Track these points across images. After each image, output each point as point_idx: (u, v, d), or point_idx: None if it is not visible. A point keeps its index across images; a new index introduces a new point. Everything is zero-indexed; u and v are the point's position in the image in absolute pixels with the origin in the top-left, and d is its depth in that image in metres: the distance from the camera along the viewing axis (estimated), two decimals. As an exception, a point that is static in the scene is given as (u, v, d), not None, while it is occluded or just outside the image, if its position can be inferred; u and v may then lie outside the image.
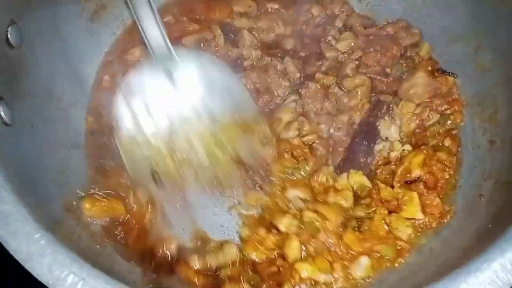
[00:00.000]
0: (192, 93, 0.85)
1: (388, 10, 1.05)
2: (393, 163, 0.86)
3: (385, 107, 0.90)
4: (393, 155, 0.87)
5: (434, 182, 0.83)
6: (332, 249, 0.78)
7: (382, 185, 0.82)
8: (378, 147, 0.88)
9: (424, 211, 0.81)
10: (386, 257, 0.79)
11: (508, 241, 0.56)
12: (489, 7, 0.87)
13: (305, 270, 0.76)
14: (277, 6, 1.02)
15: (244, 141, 0.85)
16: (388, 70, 0.95)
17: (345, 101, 0.92)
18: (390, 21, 1.03)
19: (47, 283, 0.51)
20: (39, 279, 0.51)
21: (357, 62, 0.95)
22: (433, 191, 0.82)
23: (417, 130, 0.90)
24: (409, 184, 0.84)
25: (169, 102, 0.84)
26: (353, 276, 0.77)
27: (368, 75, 0.94)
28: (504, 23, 0.85)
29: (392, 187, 0.83)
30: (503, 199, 0.74)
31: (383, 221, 0.80)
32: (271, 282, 0.76)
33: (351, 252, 0.79)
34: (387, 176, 0.86)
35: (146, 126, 0.83)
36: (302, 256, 0.78)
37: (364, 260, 0.78)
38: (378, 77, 0.95)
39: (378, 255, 0.79)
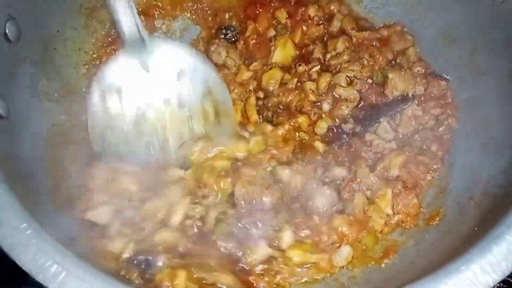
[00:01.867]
0: (165, 81, 0.86)
1: (385, 13, 1.06)
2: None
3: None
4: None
5: (413, 183, 0.84)
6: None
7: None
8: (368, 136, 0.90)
9: (397, 210, 0.83)
10: (366, 247, 0.81)
11: (489, 243, 0.56)
12: (485, 11, 0.87)
13: (296, 255, 0.78)
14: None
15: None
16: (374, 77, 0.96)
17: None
18: (386, 23, 1.04)
19: (31, 272, 0.52)
20: (23, 267, 0.52)
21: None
22: (411, 191, 0.83)
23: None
24: (388, 180, 0.84)
25: (142, 89, 0.86)
26: (334, 264, 0.79)
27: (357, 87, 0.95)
28: (499, 27, 0.85)
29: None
30: (492, 203, 0.74)
31: (362, 206, 0.82)
32: None
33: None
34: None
35: (115, 110, 0.86)
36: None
37: (346, 249, 0.79)
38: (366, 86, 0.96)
39: (362, 246, 0.81)
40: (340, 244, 0.80)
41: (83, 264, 0.54)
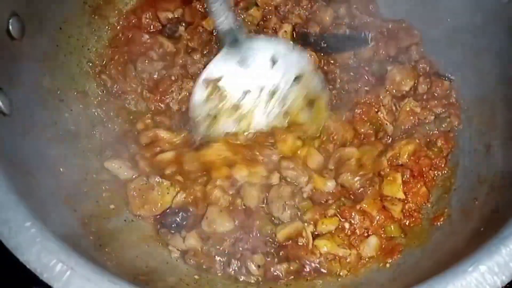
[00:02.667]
0: (260, 71, 0.93)
1: (390, 10, 1.05)
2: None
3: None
4: None
5: (419, 172, 0.86)
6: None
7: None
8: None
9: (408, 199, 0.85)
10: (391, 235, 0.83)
11: (496, 244, 0.55)
12: (491, 11, 0.87)
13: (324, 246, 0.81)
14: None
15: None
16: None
17: None
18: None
19: (35, 271, 0.51)
20: (28, 266, 0.52)
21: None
22: (419, 180, 0.85)
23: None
24: (396, 166, 0.86)
25: (240, 80, 0.93)
26: (362, 255, 0.82)
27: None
28: (505, 27, 0.84)
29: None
30: (497, 203, 0.73)
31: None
32: None
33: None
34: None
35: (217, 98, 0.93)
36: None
37: (373, 239, 0.82)
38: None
39: (384, 235, 0.83)
40: (368, 234, 0.83)
41: (88, 263, 0.54)
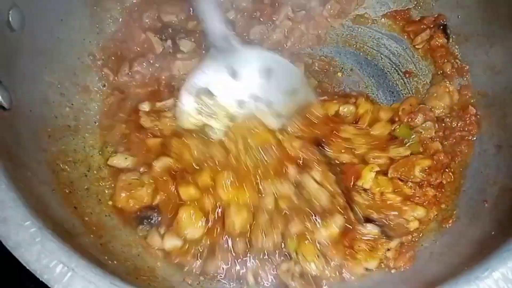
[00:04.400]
0: (254, 88, 0.88)
1: (399, 4, 1.03)
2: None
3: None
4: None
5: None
6: None
7: None
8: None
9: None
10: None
11: (510, 250, 0.54)
12: (503, 8, 0.85)
13: None
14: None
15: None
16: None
17: None
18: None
19: (35, 272, 0.50)
20: (28, 267, 0.50)
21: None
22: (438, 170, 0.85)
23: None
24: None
25: (232, 90, 0.88)
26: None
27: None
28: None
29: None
30: (508, 206, 0.72)
31: None
32: None
33: None
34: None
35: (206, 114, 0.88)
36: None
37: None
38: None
39: None
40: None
41: (90, 264, 0.52)
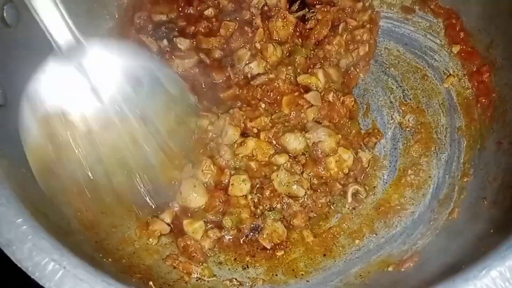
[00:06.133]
0: (113, 88, 0.71)
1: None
2: None
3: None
4: None
5: None
6: None
7: None
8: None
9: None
10: None
11: (509, 248, 0.53)
12: (504, 3, 0.84)
13: None
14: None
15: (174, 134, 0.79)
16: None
17: None
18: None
19: (27, 269, 0.49)
20: (19, 265, 0.50)
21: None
22: None
23: None
24: None
25: (86, 100, 0.71)
26: None
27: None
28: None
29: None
30: (507, 204, 0.71)
31: None
32: None
33: None
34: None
35: (62, 136, 0.70)
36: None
37: None
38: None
39: None
40: None
41: (82, 262, 0.52)
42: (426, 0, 1.00)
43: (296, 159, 0.85)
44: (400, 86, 0.97)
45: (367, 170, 0.89)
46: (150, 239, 0.81)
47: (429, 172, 0.89)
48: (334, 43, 0.94)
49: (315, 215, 0.84)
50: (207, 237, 0.81)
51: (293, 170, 0.83)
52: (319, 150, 0.84)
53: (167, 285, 0.74)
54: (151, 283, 0.70)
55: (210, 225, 0.82)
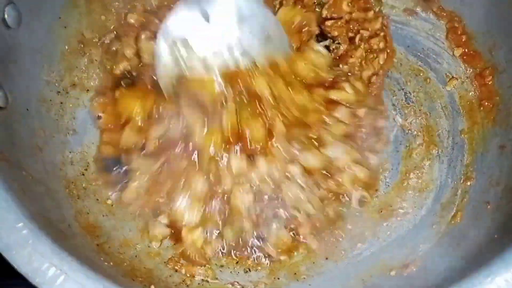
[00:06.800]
0: (227, 30, 0.83)
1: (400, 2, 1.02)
2: None
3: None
4: None
5: None
6: None
7: None
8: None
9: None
10: None
11: (514, 254, 0.52)
12: (508, 6, 0.83)
13: None
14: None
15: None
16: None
17: None
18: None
19: (26, 275, 0.49)
20: (19, 270, 0.49)
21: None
22: None
23: None
24: None
25: (206, 40, 0.83)
26: None
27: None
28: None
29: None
30: (511, 208, 0.70)
31: None
32: None
33: None
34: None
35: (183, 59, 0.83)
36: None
37: None
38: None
39: None
40: None
41: (83, 267, 0.51)
42: (428, 3, 0.99)
43: (310, 175, 0.82)
44: (402, 89, 0.97)
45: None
46: (153, 242, 0.80)
47: (431, 175, 0.89)
48: (357, 55, 0.93)
49: (321, 225, 0.83)
50: (209, 245, 0.80)
51: (306, 186, 0.81)
52: (334, 166, 0.83)
53: (169, 289, 0.73)
54: (152, 287, 0.69)
55: (209, 233, 0.80)
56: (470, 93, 0.92)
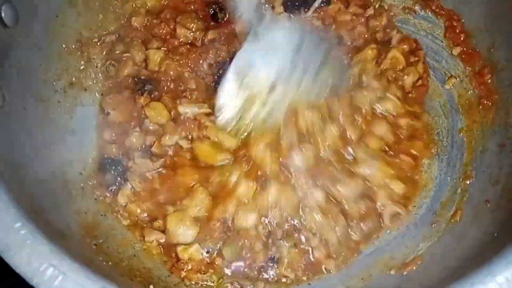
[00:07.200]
0: (288, 54, 0.88)
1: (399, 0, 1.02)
2: None
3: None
4: None
5: None
6: None
7: None
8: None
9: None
10: None
11: (514, 252, 0.52)
12: (507, 4, 0.83)
13: None
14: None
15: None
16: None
17: None
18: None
19: (25, 275, 0.48)
20: (17, 271, 0.49)
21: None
22: None
23: None
24: None
25: (271, 64, 0.88)
26: None
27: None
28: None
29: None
30: (511, 207, 0.70)
31: None
32: None
33: None
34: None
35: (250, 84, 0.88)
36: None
37: None
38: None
39: None
40: None
41: (82, 267, 0.51)
42: (427, 1, 0.99)
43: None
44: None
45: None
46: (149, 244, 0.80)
47: (430, 174, 0.89)
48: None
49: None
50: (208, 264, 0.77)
51: (329, 215, 0.78)
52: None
53: (168, 288, 0.73)
54: (151, 286, 0.69)
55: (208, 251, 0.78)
56: (469, 92, 0.92)
